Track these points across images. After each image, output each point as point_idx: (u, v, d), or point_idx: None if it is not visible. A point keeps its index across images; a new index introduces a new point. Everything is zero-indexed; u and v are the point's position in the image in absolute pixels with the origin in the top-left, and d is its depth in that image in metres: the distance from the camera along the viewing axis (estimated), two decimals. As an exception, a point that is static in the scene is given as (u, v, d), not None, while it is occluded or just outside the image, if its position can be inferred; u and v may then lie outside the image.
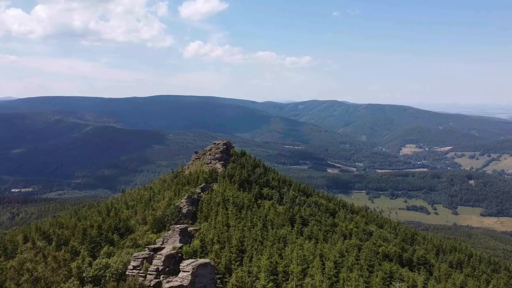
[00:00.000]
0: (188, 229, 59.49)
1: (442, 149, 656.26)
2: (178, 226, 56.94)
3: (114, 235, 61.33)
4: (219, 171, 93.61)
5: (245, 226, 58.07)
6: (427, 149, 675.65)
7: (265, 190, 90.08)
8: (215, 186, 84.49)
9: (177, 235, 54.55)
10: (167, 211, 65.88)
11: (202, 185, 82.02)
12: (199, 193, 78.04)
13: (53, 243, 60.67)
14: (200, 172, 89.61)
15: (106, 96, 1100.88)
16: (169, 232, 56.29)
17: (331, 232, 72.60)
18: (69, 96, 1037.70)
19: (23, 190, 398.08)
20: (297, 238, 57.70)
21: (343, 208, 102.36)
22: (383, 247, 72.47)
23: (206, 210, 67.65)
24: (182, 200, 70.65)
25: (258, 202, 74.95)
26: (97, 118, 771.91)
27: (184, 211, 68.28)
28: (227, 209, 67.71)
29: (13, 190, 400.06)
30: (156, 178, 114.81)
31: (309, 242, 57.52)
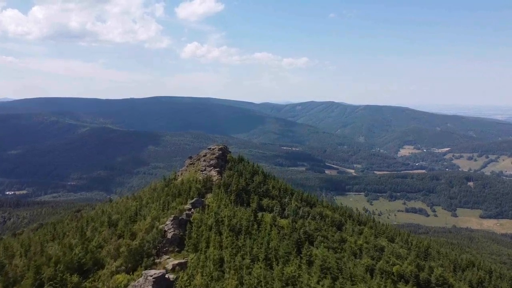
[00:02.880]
0: (173, 263, 48.99)
1: (440, 150, 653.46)
2: (152, 273, 45.28)
3: (73, 276, 47.76)
4: (214, 180, 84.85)
5: (243, 263, 47.30)
6: (425, 150, 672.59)
7: (265, 201, 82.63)
8: (208, 197, 75.90)
9: (150, 287, 42.39)
10: (148, 236, 55.20)
11: (193, 200, 71.27)
12: (189, 209, 67.41)
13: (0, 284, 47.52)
14: (193, 181, 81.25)
15: (104, 97, 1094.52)
16: (141, 280, 44.57)
17: (339, 250, 65.69)
18: (66, 97, 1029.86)
19: (17, 192, 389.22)
20: (309, 278, 47.79)
21: (350, 219, 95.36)
22: (398, 266, 65.94)
23: (195, 235, 56.78)
24: (168, 222, 59.35)
25: (257, 218, 66.65)
26: (94, 119, 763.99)
27: (169, 235, 56.95)
28: (221, 234, 57.17)
29: (7, 192, 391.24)
30: (147, 186, 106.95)
31: (323, 278, 48.51)
